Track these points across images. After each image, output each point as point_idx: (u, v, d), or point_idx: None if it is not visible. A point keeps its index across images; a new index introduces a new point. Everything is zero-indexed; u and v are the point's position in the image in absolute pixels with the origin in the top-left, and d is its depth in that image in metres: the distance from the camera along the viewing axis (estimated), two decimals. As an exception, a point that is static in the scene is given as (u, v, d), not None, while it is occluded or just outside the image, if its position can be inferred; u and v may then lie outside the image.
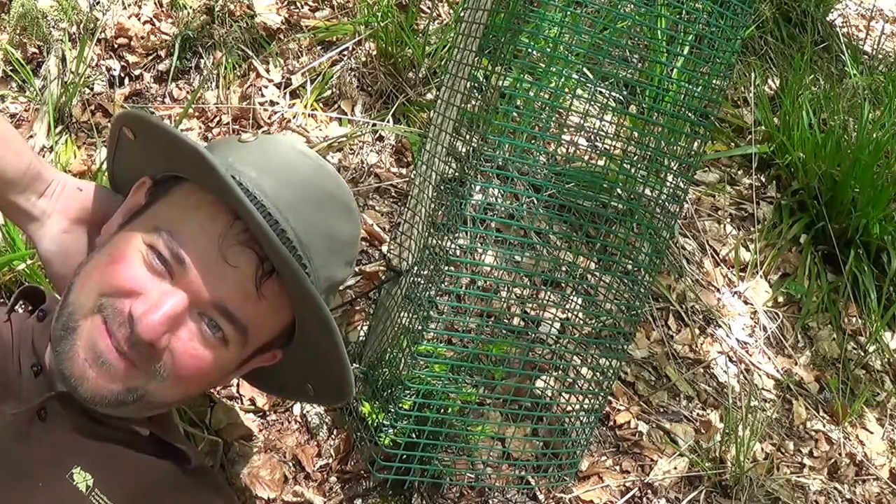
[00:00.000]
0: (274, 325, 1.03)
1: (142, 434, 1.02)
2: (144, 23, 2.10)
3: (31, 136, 1.81)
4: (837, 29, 3.34)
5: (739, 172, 2.56)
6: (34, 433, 0.94)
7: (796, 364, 2.19)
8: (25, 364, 0.99)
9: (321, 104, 2.07)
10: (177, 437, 1.09)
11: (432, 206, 1.53)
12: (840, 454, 2.02)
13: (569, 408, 1.65)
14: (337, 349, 1.02)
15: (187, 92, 2.02)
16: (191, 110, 1.95)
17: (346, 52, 2.15)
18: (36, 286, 1.11)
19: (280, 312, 1.02)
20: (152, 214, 1.00)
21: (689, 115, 1.49)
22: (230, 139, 1.08)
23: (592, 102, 1.51)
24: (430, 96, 2.12)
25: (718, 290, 2.25)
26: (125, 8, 2.11)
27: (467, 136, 1.52)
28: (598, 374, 1.62)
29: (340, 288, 1.15)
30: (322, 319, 0.98)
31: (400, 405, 1.42)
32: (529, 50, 1.53)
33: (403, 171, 1.99)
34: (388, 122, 2.04)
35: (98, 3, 2.08)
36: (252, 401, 1.54)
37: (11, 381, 0.97)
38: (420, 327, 1.40)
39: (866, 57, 3.33)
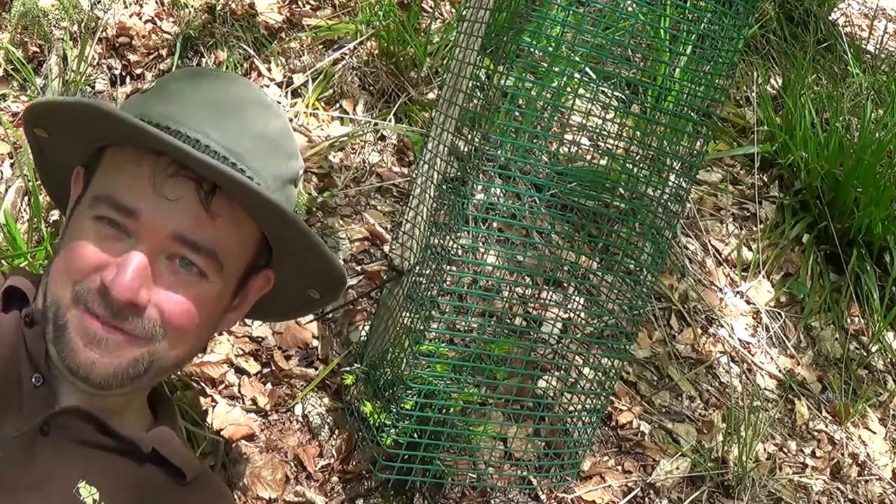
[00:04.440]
0: (242, 241, 1.02)
1: (143, 450, 1.02)
2: (146, 22, 2.10)
3: (32, 136, 1.81)
4: (840, 28, 3.34)
5: (742, 172, 2.55)
6: (37, 449, 0.94)
7: (799, 364, 2.19)
8: (25, 375, 0.97)
9: (323, 103, 2.06)
10: (176, 447, 1.08)
11: (434, 205, 1.53)
12: (842, 454, 2.02)
13: (571, 408, 1.65)
14: (306, 237, 1.02)
15: (189, 91, 2.02)
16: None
17: (347, 52, 2.15)
18: (15, 287, 1.05)
19: (242, 226, 1.01)
20: (89, 192, 1.00)
21: (692, 114, 1.49)
22: (134, 97, 1.08)
23: (595, 102, 1.51)
24: (431, 95, 2.11)
25: (721, 289, 2.24)
26: (126, 7, 2.11)
27: (469, 136, 1.52)
28: (600, 373, 1.61)
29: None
30: (277, 212, 0.98)
31: (402, 405, 1.42)
32: (532, 49, 1.52)
33: (405, 170, 1.99)
34: (389, 121, 2.04)
35: (99, 2, 2.08)
36: (254, 400, 1.54)
37: (11, 393, 0.96)
38: (422, 327, 1.39)
39: (869, 56, 3.32)
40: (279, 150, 1.05)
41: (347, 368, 1.59)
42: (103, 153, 1.02)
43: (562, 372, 1.80)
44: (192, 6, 2.12)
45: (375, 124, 2.03)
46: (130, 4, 2.12)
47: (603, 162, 1.81)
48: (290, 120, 2.01)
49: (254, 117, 1.03)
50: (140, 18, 2.10)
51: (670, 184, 1.50)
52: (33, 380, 0.97)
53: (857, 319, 2.35)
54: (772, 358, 2.17)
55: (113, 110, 0.92)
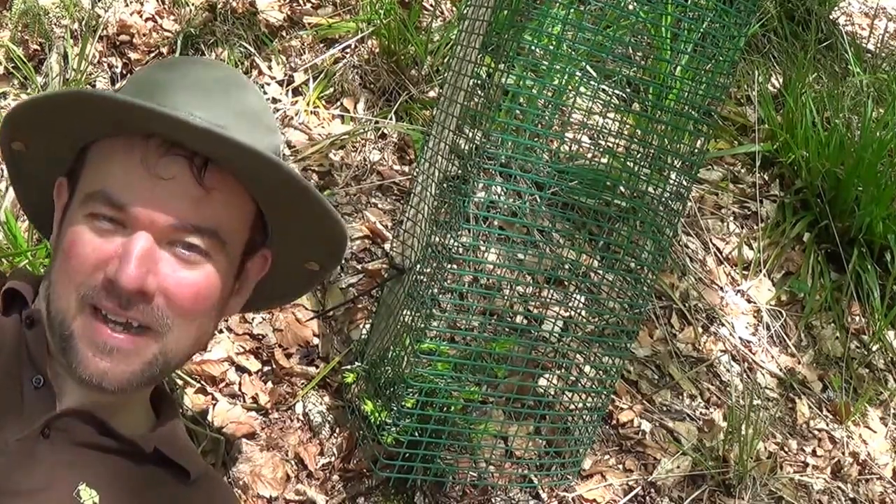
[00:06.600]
0: (241, 215, 1.01)
1: (146, 451, 1.02)
2: (147, 20, 2.10)
3: (33, 134, 1.81)
4: (841, 27, 3.33)
5: (743, 170, 2.55)
6: (38, 452, 0.93)
7: (799, 363, 2.19)
8: (26, 376, 0.96)
9: (324, 101, 2.06)
10: (180, 447, 1.08)
11: (435, 203, 1.53)
12: (843, 453, 2.02)
13: (572, 406, 1.65)
14: (308, 192, 1.00)
15: (189, 89, 2.01)
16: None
17: (348, 50, 2.15)
18: (14, 289, 1.04)
19: (238, 199, 1.00)
20: (79, 192, 0.99)
21: (693, 112, 1.49)
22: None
23: (596, 100, 1.51)
24: (432, 94, 2.11)
25: (721, 288, 2.24)
26: (127, 5, 2.11)
27: (470, 134, 1.52)
28: (601, 372, 1.61)
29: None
30: (272, 167, 0.96)
31: (402, 403, 1.42)
32: (533, 47, 1.52)
33: (406, 168, 1.99)
34: (390, 119, 2.04)
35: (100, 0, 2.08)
36: (254, 398, 1.54)
37: (12, 395, 0.95)
38: (423, 325, 1.39)
39: (869, 55, 3.32)
40: (261, 124, 1.04)
41: (348, 367, 1.59)
42: (87, 153, 1.00)
43: (563, 370, 1.79)
44: (192, 4, 2.12)
45: (376, 122, 2.03)
46: (131, 2, 2.12)
47: (604, 160, 1.81)
48: (291, 118, 2.01)
49: (232, 95, 1.03)
50: (141, 16, 2.10)
51: (671, 182, 1.50)
52: (34, 381, 0.96)
53: (857, 318, 2.34)
54: (772, 357, 2.17)
55: (104, 93, 0.91)
